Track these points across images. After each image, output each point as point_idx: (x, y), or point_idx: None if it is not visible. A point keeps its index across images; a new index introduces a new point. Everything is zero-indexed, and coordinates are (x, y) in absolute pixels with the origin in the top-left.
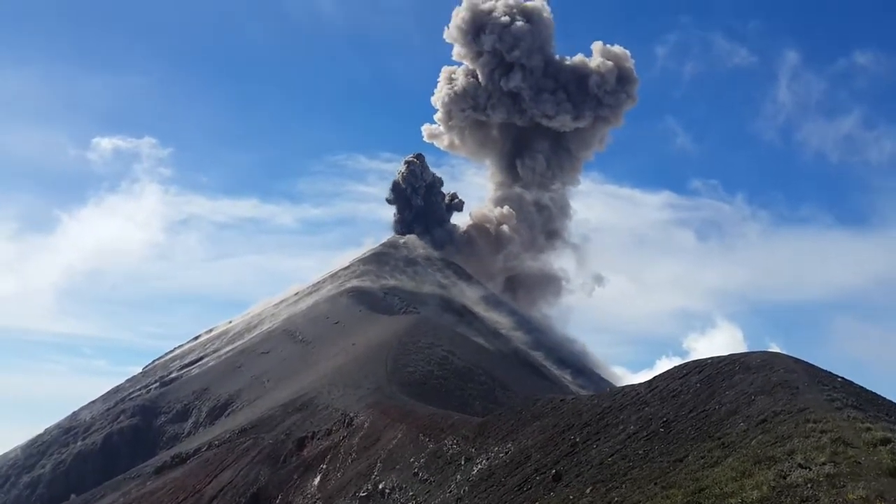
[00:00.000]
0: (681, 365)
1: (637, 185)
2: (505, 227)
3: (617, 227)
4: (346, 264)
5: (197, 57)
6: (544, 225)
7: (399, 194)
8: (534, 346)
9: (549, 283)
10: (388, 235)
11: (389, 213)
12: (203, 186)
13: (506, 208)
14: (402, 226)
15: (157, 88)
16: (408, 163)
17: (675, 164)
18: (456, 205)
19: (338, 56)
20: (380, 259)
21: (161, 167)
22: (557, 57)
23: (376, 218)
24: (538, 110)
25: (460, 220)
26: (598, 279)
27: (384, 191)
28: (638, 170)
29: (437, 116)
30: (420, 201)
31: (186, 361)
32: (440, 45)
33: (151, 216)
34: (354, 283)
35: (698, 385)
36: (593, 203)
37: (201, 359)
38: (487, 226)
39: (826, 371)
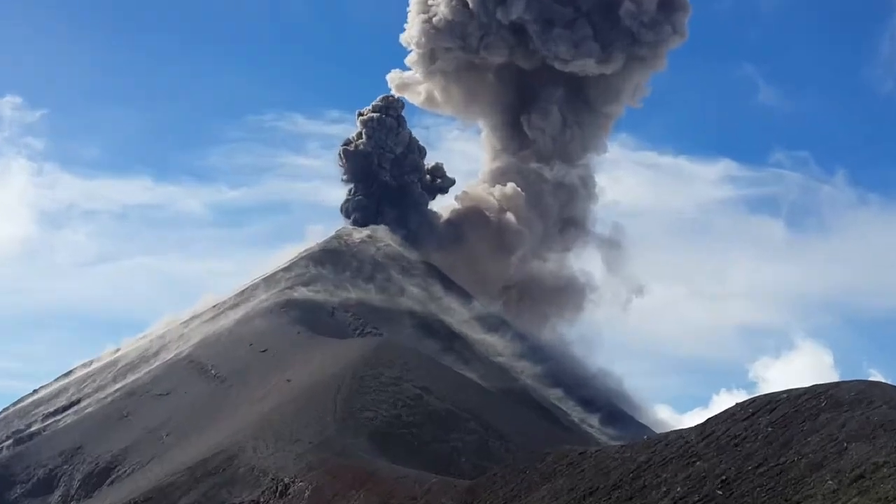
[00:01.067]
0: (746, 402)
1: (684, 150)
2: (510, 216)
3: (657, 211)
4: (279, 268)
5: None
6: (561, 211)
7: (357, 165)
8: (546, 381)
9: (569, 294)
10: (339, 226)
11: (341, 194)
12: (83, 162)
13: (510, 187)
14: (361, 213)
15: (18, 29)
16: (373, 115)
17: (742, 127)
18: (440, 184)
19: None
20: (328, 260)
21: (29, 136)
22: None
23: (320, 202)
24: (549, 50)
25: (444, 204)
26: (636, 287)
27: (331, 164)
28: (685, 130)
29: (411, 59)
30: (389, 177)
31: (53, 408)
32: None
33: (18, 205)
34: (290, 293)
35: (769, 429)
36: (624, 177)
37: (74, 404)
38: (486, 213)
39: None
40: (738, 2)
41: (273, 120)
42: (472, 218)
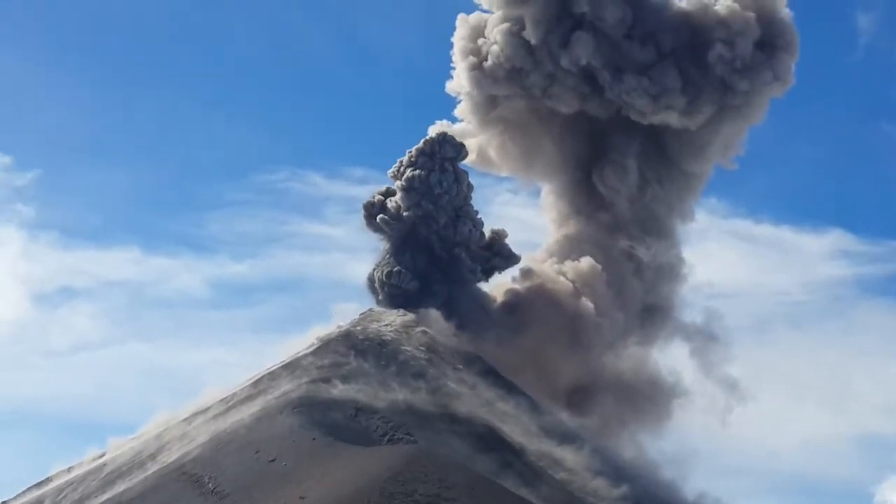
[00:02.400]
0: None
1: (785, 218)
2: (586, 302)
3: (754, 293)
4: (291, 358)
5: (66, 36)
6: (645, 295)
7: (396, 231)
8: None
9: (653, 397)
10: (364, 308)
11: (366, 268)
12: (59, 229)
13: (585, 262)
14: (396, 292)
15: (4, 80)
16: (420, 159)
17: (857, 191)
18: (497, 261)
19: (275, 12)
20: (351, 349)
21: (19, 202)
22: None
23: (341, 278)
24: (623, 101)
25: (497, 281)
26: (737, 392)
27: (354, 232)
28: (788, 195)
29: (461, 109)
30: (440, 246)
31: None
32: None
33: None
34: (305, 390)
35: None
36: (713, 250)
37: None
38: (557, 297)
39: None
40: (870, 52)
41: (285, 180)
42: (537, 303)
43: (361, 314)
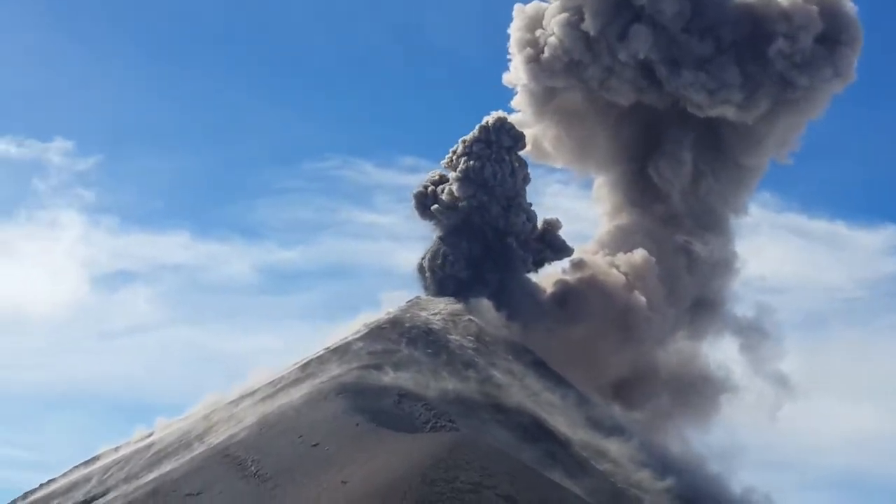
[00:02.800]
0: None
1: (840, 213)
2: (639, 296)
3: (807, 289)
4: (336, 344)
5: (124, 24)
6: (698, 288)
7: (450, 219)
8: (672, 498)
9: (702, 392)
10: (413, 295)
11: (415, 256)
12: (112, 212)
13: (639, 255)
14: (445, 279)
15: (68, 66)
16: (476, 147)
17: None
18: (550, 253)
19: (330, 0)
20: (397, 336)
21: (80, 187)
22: None
23: (391, 266)
24: (679, 91)
25: (546, 272)
26: (788, 388)
27: (405, 221)
28: (842, 189)
29: (518, 101)
30: (492, 235)
31: None
32: None
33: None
34: (349, 376)
35: None
36: (765, 245)
37: (89, 502)
38: (609, 289)
39: None
40: None
41: (336, 167)
42: (588, 295)
43: (409, 301)
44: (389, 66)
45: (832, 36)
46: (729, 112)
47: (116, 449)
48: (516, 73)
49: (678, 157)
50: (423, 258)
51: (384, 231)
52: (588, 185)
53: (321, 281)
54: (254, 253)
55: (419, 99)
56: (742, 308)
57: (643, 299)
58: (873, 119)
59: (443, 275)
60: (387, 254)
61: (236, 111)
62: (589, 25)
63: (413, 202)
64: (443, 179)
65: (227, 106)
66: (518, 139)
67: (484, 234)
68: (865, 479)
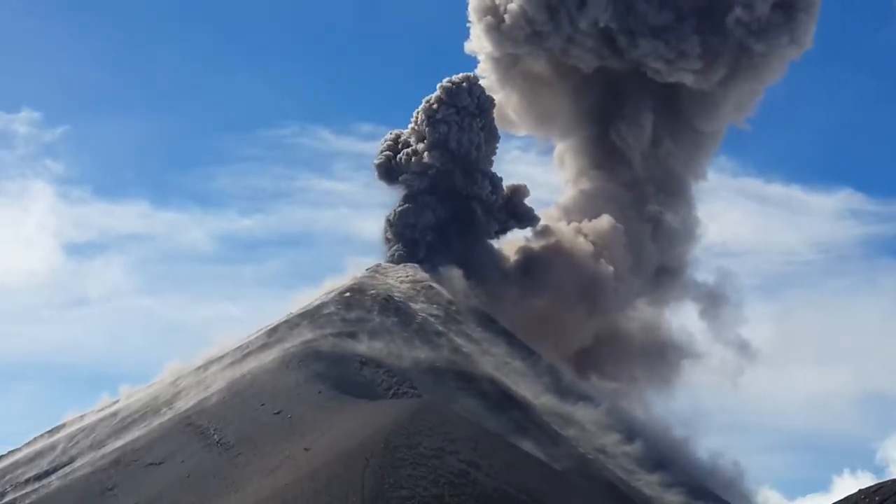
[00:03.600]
0: (871, 488)
1: (796, 177)
2: (606, 265)
3: (763, 252)
4: (297, 312)
5: None
6: (662, 255)
7: (419, 184)
8: (629, 459)
9: (663, 357)
10: (375, 262)
11: (376, 224)
12: (65, 182)
13: (605, 220)
14: (407, 246)
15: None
16: (441, 110)
17: (868, 150)
18: (517, 212)
19: None
20: (358, 303)
21: (48, 158)
22: None
23: (349, 233)
24: (640, 58)
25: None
26: (749, 352)
27: (363, 188)
28: (798, 154)
29: (482, 68)
30: (459, 201)
31: (23, 478)
32: None
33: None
34: (310, 343)
35: None
36: (722, 209)
37: (50, 473)
38: (576, 259)
39: None
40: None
41: (294, 135)
42: (554, 263)
43: (369, 269)
44: (346, 31)
45: (790, 3)
46: (687, 79)
47: (82, 417)
48: (478, 42)
49: (638, 121)
50: (387, 222)
51: (343, 199)
52: (547, 151)
53: (280, 249)
54: (212, 222)
55: (377, 65)
56: (702, 273)
57: (610, 269)
58: (830, 85)
59: (410, 237)
60: (346, 221)
61: (191, 78)
62: None
63: (375, 171)
64: (401, 142)
65: (182, 73)
66: (485, 105)
67: (450, 199)
68: (818, 439)
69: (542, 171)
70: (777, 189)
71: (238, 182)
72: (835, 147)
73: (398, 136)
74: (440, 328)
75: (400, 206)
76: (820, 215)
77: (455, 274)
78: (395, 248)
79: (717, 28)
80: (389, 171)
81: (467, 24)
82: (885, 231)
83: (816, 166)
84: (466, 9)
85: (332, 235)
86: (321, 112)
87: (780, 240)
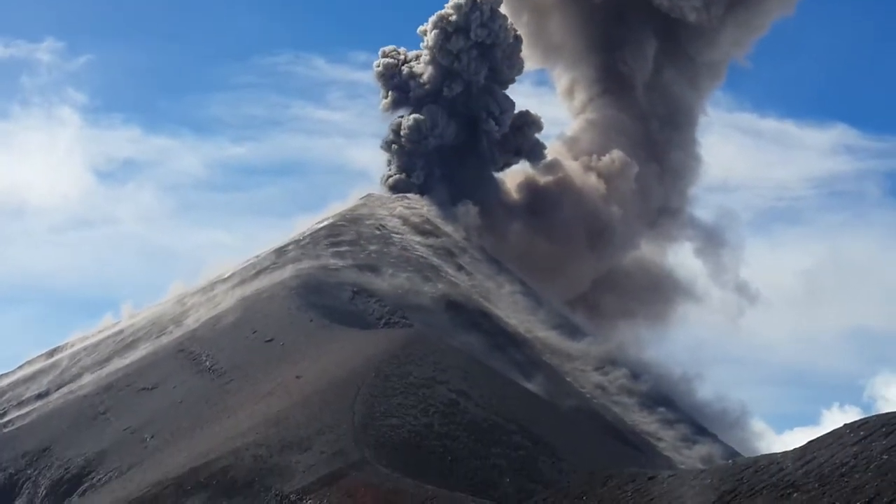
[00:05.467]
0: (856, 423)
1: (790, 112)
2: (615, 209)
3: (756, 187)
4: (290, 240)
5: None
6: (665, 193)
7: (423, 98)
8: (617, 390)
9: (660, 293)
10: (370, 189)
11: (368, 153)
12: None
13: (617, 156)
14: (409, 169)
15: None
16: (442, 26)
17: (863, 86)
18: (528, 144)
19: None
20: (353, 233)
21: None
22: None
23: (343, 163)
24: None
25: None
26: (749, 293)
27: (356, 117)
28: (793, 88)
29: None
30: (475, 124)
31: (17, 400)
32: None
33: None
34: (302, 271)
35: (884, 457)
36: (716, 143)
37: (42, 396)
38: (584, 197)
39: None
40: None
41: (288, 63)
42: (563, 202)
43: (364, 198)
44: None
45: None
46: (690, 16)
47: (69, 346)
48: None
49: (641, 47)
50: (391, 133)
51: (336, 128)
52: (542, 82)
53: (274, 177)
54: (204, 148)
55: None
56: (699, 210)
57: (618, 211)
58: (823, 19)
59: (414, 155)
60: (340, 150)
61: (185, 5)
62: None
63: (378, 78)
64: (405, 58)
65: (176, 1)
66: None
67: (459, 121)
68: (808, 374)
69: (538, 102)
70: (771, 124)
71: (231, 109)
72: (830, 82)
73: (398, 52)
74: (435, 261)
75: (410, 113)
76: (813, 150)
77: (472, 211)
78: (394, 171)
79: None
80: (393, 80)
81: None
82: (878, 167)
83: (811, 101)
84: None
85: (325, 164)
86: (315, 40)
87: (772, 175)
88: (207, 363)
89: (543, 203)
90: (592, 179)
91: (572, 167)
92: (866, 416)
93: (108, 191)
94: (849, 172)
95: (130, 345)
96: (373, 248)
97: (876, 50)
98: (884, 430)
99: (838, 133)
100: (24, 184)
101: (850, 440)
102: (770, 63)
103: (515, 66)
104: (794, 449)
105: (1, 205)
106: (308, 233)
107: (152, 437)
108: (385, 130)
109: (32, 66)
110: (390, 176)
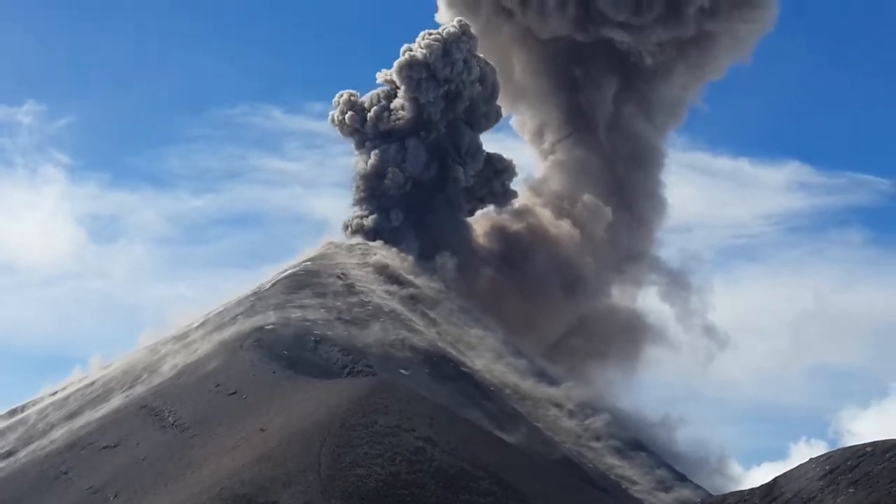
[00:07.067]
0: (822, 457)
1: (744, 151)
2: (589, 260)
3: (713, 226)
4: (251, 292)
5: None
6: (632, 239)
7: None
8: (587, 435)
9: (631, 337)
10: (331, 238)
11: (326, 203)
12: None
13: (588, 200)
14: (379, 218)
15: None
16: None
17: (815, 123)
18: (500, 189)
19: None
20: (313, 283)
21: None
22: None
23: (302, 213)
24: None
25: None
26: (719, 337)
27: (314, 167)
28: (746, 128)
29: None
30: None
31: None
32: None
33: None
34: (264, 323)
35: (851, 490)
36: (671, 182)
37: (6, 456)
38: (557, 247)
39: None
40: None
41: (244, 114)
42: (536, 249)
43: (326, 246)
44: (297, 9)
45: None
46: (647, 60)
47: (35, 403)
48: (448, 11)
49: (601, 87)
50: (362, 167)
51: (295, 178)
52: (501, 128)
53: (232, 229)
54: (162, 202)
55: (328, 44)
56: (662, 252)
57: (591, 261)
58: (777, 58)
59: (381, 195)
60: (298, 200)
61: (141, 57)
62: None
63: (340, 126)
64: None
65: (132, 52)
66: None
67: (433, 158)
68: (772, 411)
69: (498, 147)
70: (725, 162)
71: (188, 162)
72: (782, 119)
73: (354, 98)
74: (399, 308)
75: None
76: (768, 188)
77: (449, 263)
78: (357, 215)
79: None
80: (355, 126)
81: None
82: (833, 203)
83: (763, 139)
84: None
85: (284, 215)
86: (272, 91)
87: (729, 213)
88: (170, 418)
89: (514, 252)
90: (566, 227)
91: (544, 214)
92: (831, 450)
93: (79, 248)
94: (804, 209)
95: (101, 396)
96: (335, 297)
97: (824, 86)
98: (849, 463)
99: (792, 170)
100: None
101: (816, 474)
102: (722, 101)
103: (492, 113)
104: (762, 485)
105: None
106: (269, 283)
107: (115, 495)
108: (348, 175)
109: None
110: (354, 220)
